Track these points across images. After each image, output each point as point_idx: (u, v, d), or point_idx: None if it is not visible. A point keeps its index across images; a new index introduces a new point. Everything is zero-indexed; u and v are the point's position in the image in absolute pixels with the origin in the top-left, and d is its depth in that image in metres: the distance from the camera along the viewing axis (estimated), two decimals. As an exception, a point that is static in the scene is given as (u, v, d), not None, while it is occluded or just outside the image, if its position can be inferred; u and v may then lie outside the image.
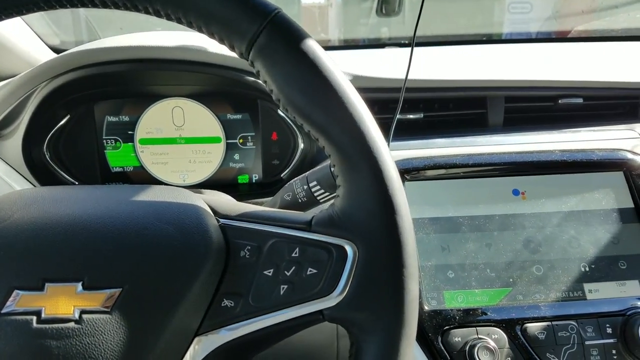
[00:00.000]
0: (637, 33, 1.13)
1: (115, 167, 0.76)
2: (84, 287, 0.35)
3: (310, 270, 0.37)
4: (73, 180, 0.74)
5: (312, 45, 0.36)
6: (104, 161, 0.75)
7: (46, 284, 0.35)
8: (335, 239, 0.37)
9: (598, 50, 0.91)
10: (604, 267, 0.63)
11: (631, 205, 0.66)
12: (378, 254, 0.36)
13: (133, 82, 0.71)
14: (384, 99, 0.72)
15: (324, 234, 0.37)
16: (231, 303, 0.37)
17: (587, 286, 0.62)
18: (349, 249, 0.37)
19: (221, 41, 0.38)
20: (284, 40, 0.36)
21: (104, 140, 0.75)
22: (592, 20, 1.24)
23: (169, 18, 0.38)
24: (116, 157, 0.75)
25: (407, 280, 0.36)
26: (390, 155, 0.37)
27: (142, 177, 0.76)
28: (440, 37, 1.13)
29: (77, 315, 0.34)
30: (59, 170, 0.73)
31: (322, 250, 0.37)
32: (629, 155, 0.69)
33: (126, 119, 0.74)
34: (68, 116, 0.72)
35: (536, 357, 0.57)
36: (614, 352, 0.57)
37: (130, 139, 0.75)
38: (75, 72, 0.67)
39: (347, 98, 0.36)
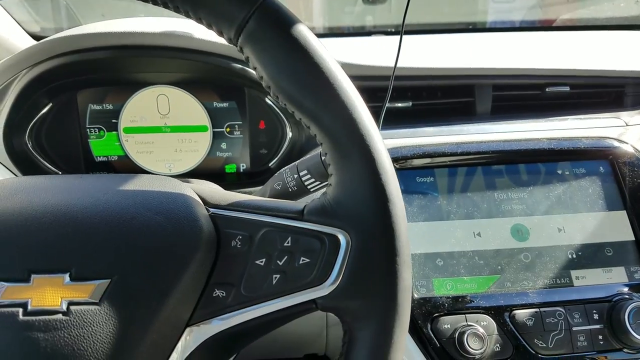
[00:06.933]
0: (621, 22, 1.14)
1: (100, 157, 0.74)
2: (72, 278, 0.34)
3: (303, 260, 0.37)
4: (56, 170, 0.73)
5: (303, 31, 0.36)
6: (87, 150, 0.74)
7: (32, 276, 0.34)
8: (328, 228, 0.37)
9: (584, 39, 0.91)
10: (590, 254, 0.64)
11: (617, 192, 0.67)
12: (371, 243, 0.36)
13: (117, 70, 0.69)
14: (372, 87, 0.71)
15: (316, 223, 0.37)
16: (222, 293, 0.37)
17: (574, 273, 0.63)
18: (341, 237, 0.36)
19: (209, 26, 0.37)
20: (274, 25, 0.35)
21: (88, 129, 0.73)
22: (577, 9, 1.25)
23: (155, 3, 0.37)
24: (100, 146, 0.74)
25: (400, 268, 0.36)
26: (383, 142, 0.37)
27: (127, 167, 0.74)
28: (427, 25, 1.13)
29: (64, 307, 0.33)
30: (41, 159, 0.72)
31: (314, 240, 0.37)
32: (615, 144, 0.69)
33: (110, 107, 0.72)
34: (50, 104, 0.70)
35: (524, 343, 0.58)
36: (600, 337, 0.58)
37: (114, 127, 0.73)
38: (57, 59, 0.66)
39: (339, 85, 0.36)
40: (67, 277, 0.34)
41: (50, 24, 1.15)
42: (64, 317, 0.33)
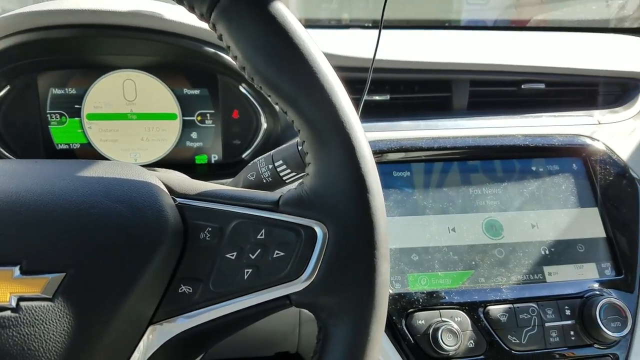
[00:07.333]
0: (593, 25, 1.16)
1: (61, 144, 0.70)
2: (22, 272, 0.31)
3: (277, 253, 0.35)
4: (13, 157, 0.68)
5: (281, 8, 0.33)
6: (47, 137, 0.69)
7: None
8: (304, 219, 0.35)
9: (559, 39, 0.92)
10: (563, 251, 0.64)
11: (589, 190, 0.67)
12: (349, 235, 0.34)
13: (81, 51, 0.65)
14: (350, 78, 0.70)
15: (292, 215, 0.35)
16: (189, 289, 0.35)
17: (546, 269, 0.63)
18: (318, 230, 0.35)
19: (180, 2, 0.34)
20: (249, 0, 0.33)
21: (48, 115, 0.69)
22: (551, 10, 1.27)
23: None
24: (61, 133, 0.70)
25: (378, 262, 0.34)
26: (363, 131, 0.35)
27: (90, 155, 0.70)
28: (405, 21, 1.12)
29: (13, 303, 0.30)
30: (-3, 146, 0.67)
31: (289, 232, 0.35)
32: (588, 141, 0.70)
33: (73, 91, 0.68)
34: (8, 87, 0.66)
35: (498, 339, 0.57)
36: (572, 333, 0.58)
37: (77, 113, 0.69)
38: (15, 36, 0.61)
39: (318, 68, 0.34)
40: (17, 270, 0.31)
41: (14, 5, 1.09)
42: (12, 314, 0.30)
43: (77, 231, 0.33)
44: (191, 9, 0.34)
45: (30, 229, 0.32)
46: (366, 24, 1.11)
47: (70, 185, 0.35)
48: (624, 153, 0.70)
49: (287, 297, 0.35)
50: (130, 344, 0.33)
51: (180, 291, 0.35)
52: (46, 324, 0.30)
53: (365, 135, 0.36)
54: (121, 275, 0.32)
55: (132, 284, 0.32)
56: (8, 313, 0.30)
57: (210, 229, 0.35)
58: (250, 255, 0.35)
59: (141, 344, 0.34)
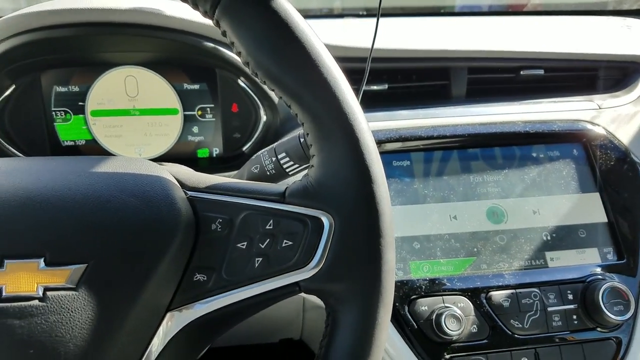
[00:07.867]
0: (591, 7, 1.15)
1: (66, 141, 0.71)
2: (47, 263, 0.33)
3: (286, 243, 0.36)
4: (21, 155, 0.69)
5: (283, 3, 0.34)
6: (53, 134, 0.70)
7: (5, 261, 0.32)
8: (311, 210, 0.36)
9: (557, 23, 0.92)
10: (564, 236, 0.65)
11: (590, 175, 0.68)
12: (354, 224, 0.35)
13: (82, 49, 0.66)
14: (348, 68, 0.69)
15: (298, 205, 0.36)
16: (204, 277, 0.36)
17: (548, 254, 0.64)
18: (324, 220, 0.36)
19: None
20: None
21: (53, 112, 0.69)
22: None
23: None
24: (67, 130, 0.70)
25: (384, 250, 0.35)
26: (367, 122, 0.36)
27: (95, 152, 0.71)
28: (398, 8, 1.12)
29: (40, 293, 0.32)
30: (5, 144, 0.68)
31: (297, 222, 0.36)
32: (588, 127, 0.70)
33: (76, 89, 0.69)
34: (13, 86, 0.67)
35: (501, 324, 0.58)
36: (574, 317, 0.59)
37: (81, 110, 0.70)
38: (18, 37, 0.62)
39: (321, 61, 0.34)
40: (41, 262, 0.33)
41: (9, 4, 1.09)
42: (40, 303, 0.32)
43: (94, 225, 0.34)
44: (195, 6, 0.35)
45: (51, 223, 0.34)
46: (360, 13, 1.11)
47: (85, 181, 0.36)
48: (624, 137, 0.71)
49: (296, 284, 0.36)
50: (150, 330, 0.35)
51: (195, 279, 0.36)
52: (71, 312, 0.32)
53: (369, 126, 0.36)
54: (139, 266, 0.34)
55: (150, 273, 0.34)
56: (36, 302, 0.32)
57: (220, 221, 0.37)
58: (260, 244, 0.36)
59: (160, 330, 0.35)
